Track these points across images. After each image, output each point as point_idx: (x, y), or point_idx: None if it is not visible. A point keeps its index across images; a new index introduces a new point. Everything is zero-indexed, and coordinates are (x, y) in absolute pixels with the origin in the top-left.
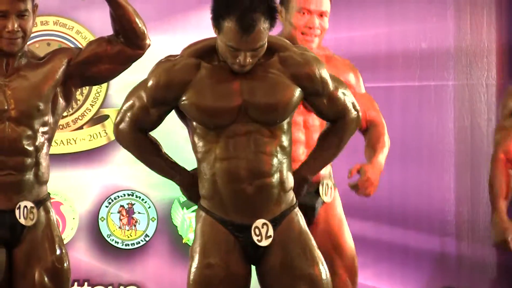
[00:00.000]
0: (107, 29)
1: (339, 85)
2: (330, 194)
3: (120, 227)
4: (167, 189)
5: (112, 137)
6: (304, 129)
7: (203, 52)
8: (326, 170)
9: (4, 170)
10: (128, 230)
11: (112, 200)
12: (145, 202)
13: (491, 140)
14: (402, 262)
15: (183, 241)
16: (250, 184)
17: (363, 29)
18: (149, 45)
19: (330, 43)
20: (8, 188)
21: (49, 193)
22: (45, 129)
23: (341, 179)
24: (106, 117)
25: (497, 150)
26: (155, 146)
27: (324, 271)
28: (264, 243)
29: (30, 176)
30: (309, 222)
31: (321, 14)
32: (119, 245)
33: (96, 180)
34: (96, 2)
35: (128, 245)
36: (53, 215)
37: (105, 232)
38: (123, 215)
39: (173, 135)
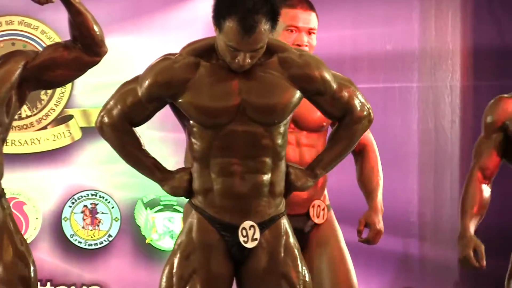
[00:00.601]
0: None
1: (344, 83)
2: (323, 216)
3: (83, 227)
4: (131, 190)
5: (76, 137)
6: (296, 148)
7: (202, 51)
8: (319, 192)
9: None
10: (91, 230)
11: (76, 200)
12: (109, 202)
13: (455, 142)
14: (366, 263)
15: (146, 241)
16: (242, 179)
17: (329, 31)
18: (106, 52)
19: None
20: None
21: (3, 188)
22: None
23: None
24: (70, 117)
25: (474, 165)
26: (138, 141)
27: (307, 277)
28: (250, 245)
29: None
30: (301, 245)
31: (309, 31)
32: (82, 245)
33: (60, 180)
34: (61, 3)
35: (91, 245)
36: (10, 211)
37: (68, 232)
38: (86, 215)
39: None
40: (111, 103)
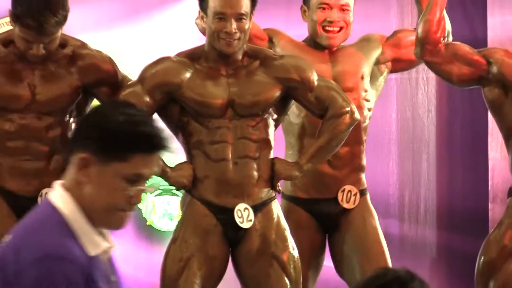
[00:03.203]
0: (75, 26)
1: (325, 83)
2: (353, 201)
3: None
4: None
5: None
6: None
7: (194, 55)
8: (350, 177)
9: None
10: None
11: None
12: None
13: (431, 129)
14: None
15: (147, 223)
16: (235, 163)
17: None
18: None
19: None
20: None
21: None
22: None
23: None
24: None
25: None
26: None
27: (297, 258)
28: (246, 225)
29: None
30: (327, 231)
31: (342, 8)
32: None
33: None
34: None
35: None
36: None
37: None
38: None
39: None
40: None
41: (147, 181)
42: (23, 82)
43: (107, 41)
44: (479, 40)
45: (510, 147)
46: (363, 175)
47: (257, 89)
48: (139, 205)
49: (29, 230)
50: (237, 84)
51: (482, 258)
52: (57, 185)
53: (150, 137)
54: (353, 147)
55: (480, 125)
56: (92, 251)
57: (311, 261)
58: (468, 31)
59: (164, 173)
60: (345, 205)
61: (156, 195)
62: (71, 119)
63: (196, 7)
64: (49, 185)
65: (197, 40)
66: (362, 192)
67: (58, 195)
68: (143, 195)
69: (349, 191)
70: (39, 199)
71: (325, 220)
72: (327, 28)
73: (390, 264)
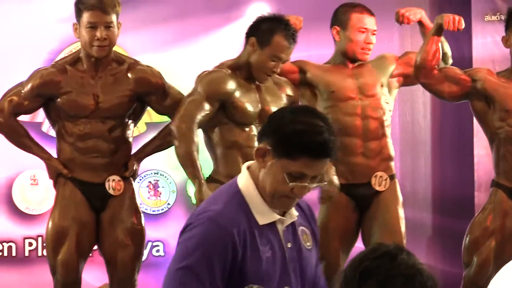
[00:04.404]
0: (137, 48)
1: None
2: (384, 185)
3: (148, 198)
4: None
5: (142, 130)
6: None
7: (233, 67)
8: (382, 164)
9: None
10: (154, 200)
11: (142, 178)
12: (167, 178)
13: (427, 132)
14: None
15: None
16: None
17: (329, 48)
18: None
19: (304, 57)
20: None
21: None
22: None
23: None
24: None
25: None
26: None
27: None
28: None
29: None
30: (362, 209)
31: (373, 33)
32: (148, 211)
33: None
34: (128, 28)
35: (155, 211)
36: (133, 188)
37: (138, 201)
38: (150, 189)
39: None
40: (182, 111)
41: (310, 179)
42: (89, 94)
43: (162, 61)
44: (465, 59)
45: (493, 147)
46: (392, 163)
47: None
48: (189, 193)
49: (211, 196)
50: (266, 95)
51: (468, 236)
52: (244, 167)
53: (318, 146)
54: (381, 140)
55: (467, 127)
56: (260, 221)
57: (344, 239)
58: (456, 51)
59: (199, 180)
60: (377, 188)
61: None
62: (129, 121)
63: (234, 33)
64: (113, 174)
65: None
66: (392, 177)
67: (242, 174)
68: (304, 190)
69: (381, 176)
70: (106, 184)
71: (360, 201)
72: (364, 47)
73: (404, 240)
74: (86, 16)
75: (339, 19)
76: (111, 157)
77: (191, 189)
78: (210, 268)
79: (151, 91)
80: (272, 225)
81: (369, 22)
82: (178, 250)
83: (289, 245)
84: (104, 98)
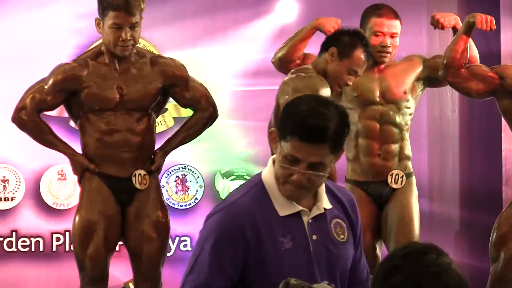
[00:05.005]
0: (166, 44)
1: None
2: (401, 182)
3: (176, 192)
4: (211, 164)
5: (170, 125)
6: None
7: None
8: (398, 164)
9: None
10: (182, 195)
11: (170, 172)
12: (195, 173)
13: (455, 126)
14: None
15: None
16: None
17: None
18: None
19: None
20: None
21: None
22: None
23: None
24: (165, 110)
25: None
26: None
27: None
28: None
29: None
30: (380, 207)
31: (392, 36)
32: (176, 206)
33: None
34: (157, 24)
35: (182, 206)
36: (159, 182)
37: (165, 196)
38: (178, 183)
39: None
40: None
41: (308, 166)
42: (113, 86)
43: (191, 57)
44: (493, 54)
45: None
46: (409, 162)
47: None
48: (217, 188)
49: (240, 186)
50: None
51: (495, 231)
52: (271, 158)
53: (308, 128)
54: (398, 143)
55: (495, 122)
56: (281, 212)
57: (373, 231)
58: (484, 46)
59: None
60: (394, 186)
61: (231, 180)
62: (153, 114)
63: (263, 28)
64: (139, 168)
65: (263, 54)
66: (408, 175)
67: (268, 166)
68: (301, 177)
69: (397, 174)
70: (133, 179)
71: (378, 198)
72: (381, 51)
73: (417, 236)
74: (111, 16)
75: (362, 22)
76: (138, 151)
77: (220, 184)
78: (220, 256)
79: (176, 83)
80: (297, 216)
81: (388, 25)
82: (198, 238)
83: (314, 237)
84: (128, 90)
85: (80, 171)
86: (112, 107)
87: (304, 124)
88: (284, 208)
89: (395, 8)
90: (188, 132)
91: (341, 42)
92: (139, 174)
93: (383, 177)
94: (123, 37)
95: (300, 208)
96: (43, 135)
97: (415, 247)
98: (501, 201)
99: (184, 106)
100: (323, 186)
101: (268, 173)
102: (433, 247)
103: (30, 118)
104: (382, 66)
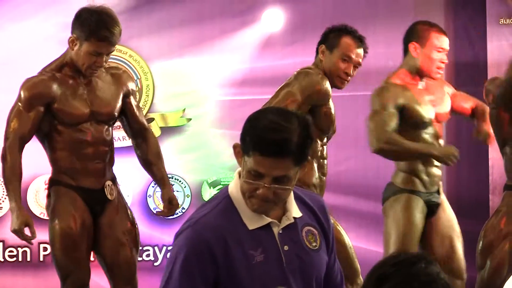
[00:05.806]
0: (153, 53)
1: None
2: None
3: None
4: (198, 173)
5: (157, 134)
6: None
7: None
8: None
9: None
10: None
11: None
12: (182, 183)
13: (443, 135)
14: (377, 229)
15: None
16: None
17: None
18: None
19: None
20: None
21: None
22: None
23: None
24: (152, 119)
25: None
26: None
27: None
28: None
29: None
30: (433, 214)
31: (446, 53)
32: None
33: None
34: (144, 33)
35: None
36: (119, 188)
37: (151, 205)
38: None
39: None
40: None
41: (273, 180)
42: (82, 99)
43: (178, 66)
44: (480, 62)
45: (504, 153)
46: None
47: None
48: (204, 198)
49: (207, 201)
50: None
51: (482, 240)
52: (236, 171)
53: (268, 143)
54: None
55: None
56: (250, 226)
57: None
58: (471, 54)
59: None
60: (442, 196)
61: (217, 189)
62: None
63: (250, 37)
64: (108, 179)
65: (249, 63)
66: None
67: (233, 179)
68: (266, 191)
69: (440, 184)
70: (105, 190)
71: (430, 207)
72: (440, 67)
73: (460, 248)
74: (93, 44)
75: (418, 36)
76: (108, 162)
77: (207, 193)
78: (190, 275)
79: (130, 92)
80: (267, 227)
81: (446, 42)
82: (168, 258)
83: (286, 247)
84: (96, 102)
85: (20, 228)
86: (84, 119)
87: (264, 139)
88: (252, 221)
89: (382, 15)
90: (160, 157)
91: (328, 38)
92: (108, 184)
93: (436, 188)
94: (99, 63)
95: (269, 220)
96: (11, 176)
97: (405, 256)
98: (488, 209)
99: (131, 115)
100: (292, 194)
101: (234, 187)
102: (423, 256)
103: (12, 160)
104: (423, 81)
